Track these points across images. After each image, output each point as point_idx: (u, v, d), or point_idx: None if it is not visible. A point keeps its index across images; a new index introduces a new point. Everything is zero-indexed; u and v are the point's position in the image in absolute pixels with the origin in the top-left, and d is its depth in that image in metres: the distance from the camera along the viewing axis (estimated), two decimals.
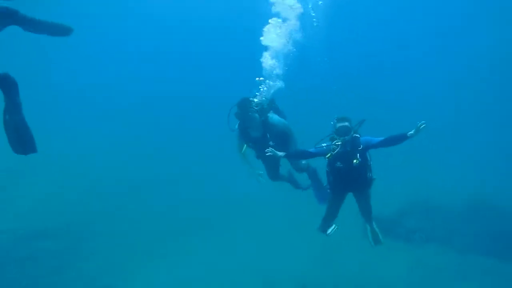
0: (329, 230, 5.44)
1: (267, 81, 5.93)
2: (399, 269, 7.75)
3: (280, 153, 5.11)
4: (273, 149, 5.06)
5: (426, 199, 10.58)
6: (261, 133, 5.59)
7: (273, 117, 5.65)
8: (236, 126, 5.73)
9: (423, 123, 4.44)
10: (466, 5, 18.79)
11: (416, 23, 20.87)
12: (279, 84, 6.03)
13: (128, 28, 23.53)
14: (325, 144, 5.04)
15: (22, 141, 2.92)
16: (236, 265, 8.21)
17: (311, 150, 5.12)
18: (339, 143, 4.85)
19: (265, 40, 6.13)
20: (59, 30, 3.29)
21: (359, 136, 4.96)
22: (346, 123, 4.88)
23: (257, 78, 5.93)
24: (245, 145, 5.83)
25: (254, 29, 6.67)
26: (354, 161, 4.82)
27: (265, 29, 6.15)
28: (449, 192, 10.88)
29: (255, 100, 5.59)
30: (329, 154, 4.91)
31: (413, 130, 4.52)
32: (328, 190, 5.41)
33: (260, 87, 5.91)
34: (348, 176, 5.00)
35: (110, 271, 8.10)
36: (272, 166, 6.15)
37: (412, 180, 12.21)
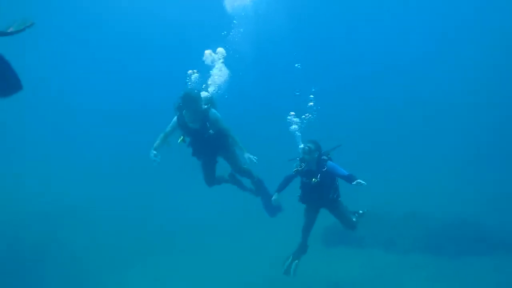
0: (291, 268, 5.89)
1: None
2: (352, 269, 8.95)
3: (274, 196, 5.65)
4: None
5: (372, 209, 11.97)
6: (199, 124, 5.65)
7: (212, 109, 5.75)
8: (175, 118, 5.74)
9: (362, 183, 4.89)
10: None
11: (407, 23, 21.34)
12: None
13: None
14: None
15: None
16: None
17: (289, 174, 5.63)
18: (297, 159, 5.53)
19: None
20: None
21: (326, 158, 5.43)
22: (305, 145, 5.40)
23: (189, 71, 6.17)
24: (182, 137, 5.80)
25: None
26: (313, 179, 5.32)
27: None
28: (390, 202, 12.43)
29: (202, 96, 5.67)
30: (295, 169, 5.55)
31: (355, 182, 4.98)
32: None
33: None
34: (311, 191, 5.48)
35: None
36: (208, 168, 6.11)
37: (359, 193, 13.63)
